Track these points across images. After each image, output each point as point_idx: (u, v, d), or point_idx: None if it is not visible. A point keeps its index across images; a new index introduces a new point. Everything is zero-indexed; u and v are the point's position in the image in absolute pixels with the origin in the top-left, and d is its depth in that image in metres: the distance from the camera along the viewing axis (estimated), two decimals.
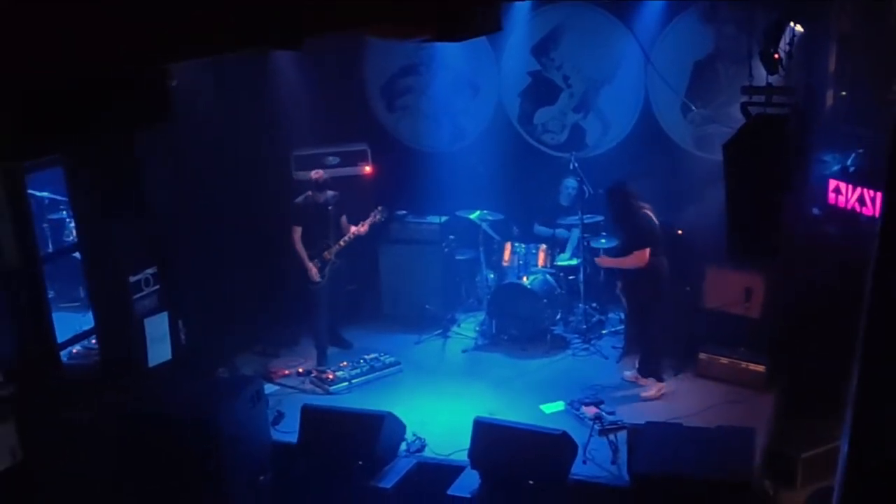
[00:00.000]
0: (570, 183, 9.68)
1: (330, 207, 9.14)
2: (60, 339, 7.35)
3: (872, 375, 2.25)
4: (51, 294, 9.62)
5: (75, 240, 8.46)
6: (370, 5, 3.93)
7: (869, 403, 2.27)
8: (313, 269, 9.08)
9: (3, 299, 6.49)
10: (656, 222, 8.30)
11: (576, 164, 9.53)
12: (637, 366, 8.65)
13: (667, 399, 8.37)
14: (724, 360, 8.59)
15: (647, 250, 8.19)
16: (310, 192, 9.12)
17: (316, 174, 9.19)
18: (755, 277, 8.64)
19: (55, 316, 7.35)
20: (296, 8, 3.26)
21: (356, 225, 9.23)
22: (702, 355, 8.69)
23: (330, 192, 9.16)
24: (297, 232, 9.08)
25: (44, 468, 6.53)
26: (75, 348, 8.20)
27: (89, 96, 2.54)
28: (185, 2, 2.59)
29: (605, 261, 8.91)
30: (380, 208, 9.33)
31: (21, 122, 2.33)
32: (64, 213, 9.88)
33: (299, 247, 9.08)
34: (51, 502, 6.58)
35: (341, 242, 9.19)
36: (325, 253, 9.13)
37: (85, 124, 2.62)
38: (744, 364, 8.49)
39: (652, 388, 8.44)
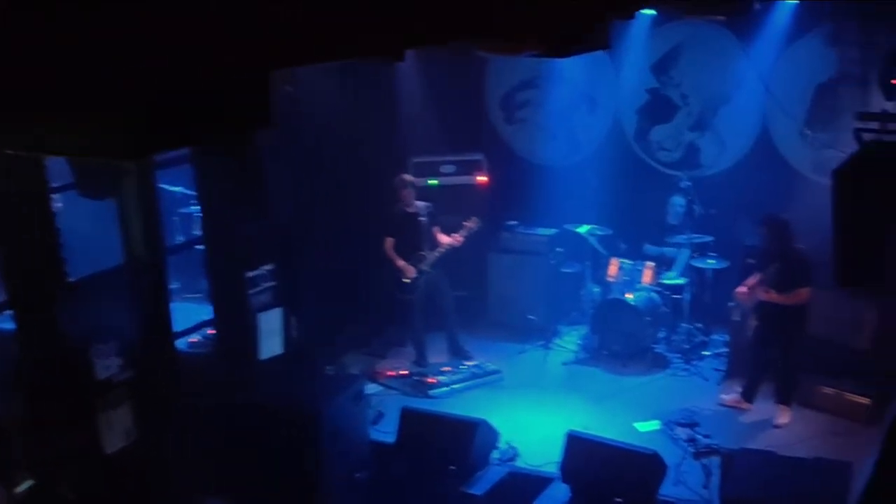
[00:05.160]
0: (678, 201, 9.63)
1: (421, 218, 9.30)
2: (180, 328, 7.77)
3: None
4: (177, 285, 10.16)
5: (200, 233, 8.90)
6: (477, 20, 4.06)
7: None
8: (408, 268, 9.23)
9: (129, 289, 6.89)
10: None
11: (688, 183, 9.48)
12: (776, 393, 8.50)
13: (766, 427, 8.24)
14: (829, 391, 8.39)
15: (809, 289, 8.04)
16: (400, 202, 9.31)
17: (398, 180, 9.34)
18: (867, 306, 8.41)
19: (180, 306, 7.77)
20: (400, 20, 3.40)
21: (449, 236, 9.37)
22: (806, 384, 8.51)
23: (422, 203, 9.34)
24: (389, 242, 9.31)
25: (155, 450, 6.91)
26: (195, 337, 8.65)
27: (201, 100, 2.72)
28: (289, 11, 2.76)
29: (772, 297, 8.21)
30: (473, 219, 9.42)
31: (140, 123, 2.52)
32: (194, 207, 10.39)
33: (391, 254, 9.30)
34: (160, 483, 6.97)
35: (435, 253, 9.35)
36: (420, 263, 9.31)
37: (198, 127, 2.81)
38: (848, 395, 8.27)
39: (785, 415, 8.32)
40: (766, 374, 8.52)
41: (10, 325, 6.47)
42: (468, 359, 9.64)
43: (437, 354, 9.71)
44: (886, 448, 2.67)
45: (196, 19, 2.46)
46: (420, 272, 9.33)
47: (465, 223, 9.38)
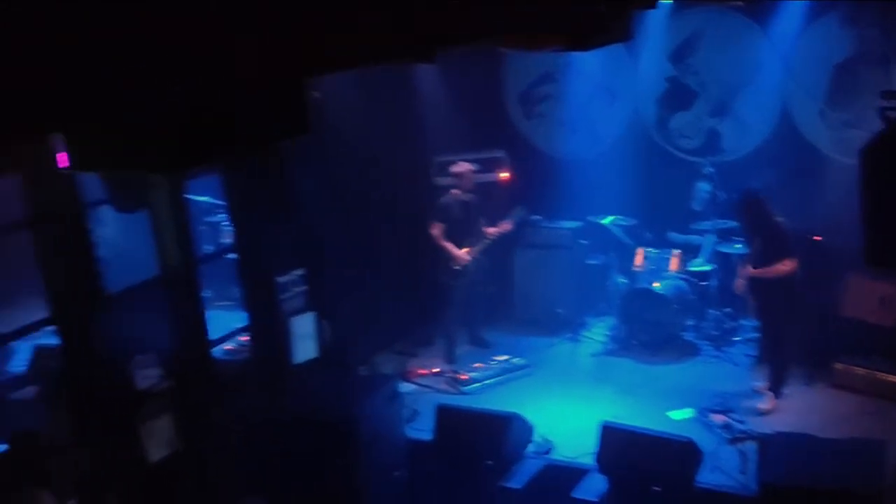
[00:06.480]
0: (704, 186, 9.60)
1: (472, 206, 9.46)
2: (215, 336, 7.89)
3: None
4: (208, 293, 10.29)
5: (230, 242, 9.01)
6: (501, 19, 4.10)
7: None
8: (461, 253, 9.38)
9: (164, 300, 7.00)
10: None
11: (711, 169, 9.50)
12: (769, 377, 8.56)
13: (800, 409, 8.24)
14: (860, 371, 8.39)
15: (793, 260, 8.06)
16: (453, 191, 9.45)
17: (458, 168, 9.51)
18: (894, 286, 8.41)
19: (212, 314, 7.88)
20: (428, 23, 3.45)
21: (493, 227, 9.52)
22: (838, 365, 8.51)
23: (470, 193, 9.49)
24: (438, 227, 9.42)
25: (197, 457, 7.01)
26: (229, 345, 8.77)
27: (237, 111, 2.77)
28: (322, 20, 2.81)
29: (753, 272, 8.28)
30: (519, 207, 9.63)
31: (179, 137, 2.53)
32: (220, 216, 10.52)
33: (440, 240, 9.41)
34: (202, 490, 7.08)
35: (486, 240, 9.50)
36: (472, 250, 9.45)
37: (234, 138, 2.85)
38: (881, 375, 8.28)
39: (769, 401, 8.31)
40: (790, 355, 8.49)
41: (52, 341, 6.60)
42: (487, 347, 9.81)
43: (462, 348, 9.82)
44: None
45: (233, 32, 2.50)
46: (472, 258, 9.46)
47: (513, 211, 9.61)
